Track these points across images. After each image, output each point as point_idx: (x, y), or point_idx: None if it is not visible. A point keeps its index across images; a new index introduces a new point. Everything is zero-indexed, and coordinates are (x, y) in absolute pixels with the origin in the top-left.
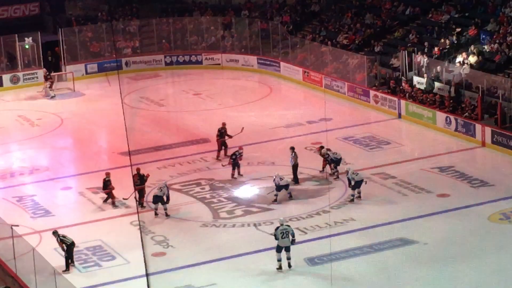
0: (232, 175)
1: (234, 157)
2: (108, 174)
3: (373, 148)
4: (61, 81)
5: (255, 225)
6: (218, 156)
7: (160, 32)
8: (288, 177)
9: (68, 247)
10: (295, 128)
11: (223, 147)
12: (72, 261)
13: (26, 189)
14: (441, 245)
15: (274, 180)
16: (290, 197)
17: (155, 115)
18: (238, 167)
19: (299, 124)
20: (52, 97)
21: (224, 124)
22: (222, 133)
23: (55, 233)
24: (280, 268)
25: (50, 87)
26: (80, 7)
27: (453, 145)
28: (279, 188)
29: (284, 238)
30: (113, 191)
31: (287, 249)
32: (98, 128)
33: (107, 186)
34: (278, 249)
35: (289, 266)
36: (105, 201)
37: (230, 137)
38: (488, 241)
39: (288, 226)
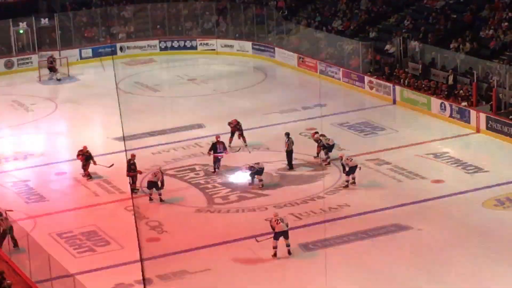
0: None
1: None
2: (133, 156)
3: (368, 134)
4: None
5: (256, 240)
6: (230, 142)
7: (155, 17)
8: (282, 163)
9: (3, 231)
10: (289, 113)
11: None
12: (16, 245)
13: (20, 174)
14: (436, 231)
15: (251, 168)
16: (251, 184)
17: (150, 100)
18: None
19: (294, 109)
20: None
21: (235, 120)
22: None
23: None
24: (275, 255)
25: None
26: None
27: (448, 131)
28: (260, 172)
29: (280, 223)
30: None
31: (286, 236)
32: (93, 113)
33: (131, 168)
34: (276, 236)
35: (289, 253)
36: (132, 183)
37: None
38: (483, 227)
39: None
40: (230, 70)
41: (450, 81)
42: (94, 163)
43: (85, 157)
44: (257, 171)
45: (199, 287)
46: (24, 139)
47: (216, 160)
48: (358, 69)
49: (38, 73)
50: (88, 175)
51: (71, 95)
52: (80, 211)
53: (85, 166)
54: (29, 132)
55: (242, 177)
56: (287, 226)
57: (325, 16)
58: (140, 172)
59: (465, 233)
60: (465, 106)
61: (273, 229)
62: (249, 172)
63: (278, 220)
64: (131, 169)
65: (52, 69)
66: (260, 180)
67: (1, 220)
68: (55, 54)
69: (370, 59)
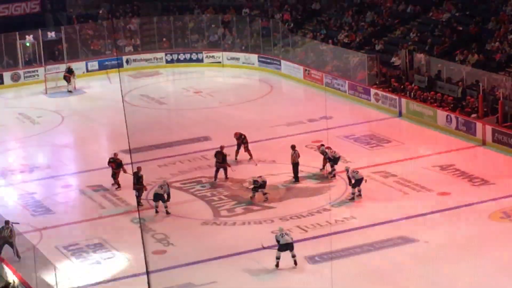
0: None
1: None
2: (139, 169)
3: (374, 146)
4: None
5: (262, 245)
6: (236, 154)
7: (161, 30)
8: (288, 175)
9: (3, 240)
10: (295, 126)
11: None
12: (18, 256)
13: (26, 187)
14: (442, 244)
15: (256, 182)
16: (253, 198)
17: (156, 113)
18: (219, 170)
19: (300, 122)
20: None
21: (237, 133)
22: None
23: (7, 222)
24: (277, 265)
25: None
26: (81, 4)
27: (454, 144)
28: (263, 185)
29: (284, 236)
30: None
31: (291, 248)
32: (99, 126)
33: (139, 181)
34: (281, 248)
35: (295, 263)
36: (138, 197)
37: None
38: (489, 239)
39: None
40: (236, 82)
41: (459, 94)
42: (125, 171)
43: (117, 164)
44: (260, 185)
45: None
46: (30, 152)
47: (216, 170)
48: (364, 82)
49: (45, 86)
50: (118, 184)
51: (77, 107)
52: (86, 224)
53: (115, 175)
54: (36, 144)
55: (247, 190)
56: (292, 239)
57: (331, 29)
58: (146, 188)
59: (472, 245)
60: (473, 118)
61: (278, 242)
62: (252, 186)
63: (283, 234)
64: (139, 182)
65: (67, 79)
66: (265, 194)
67: (3, 229)
68: (63, 66)
69: (376, 72)
